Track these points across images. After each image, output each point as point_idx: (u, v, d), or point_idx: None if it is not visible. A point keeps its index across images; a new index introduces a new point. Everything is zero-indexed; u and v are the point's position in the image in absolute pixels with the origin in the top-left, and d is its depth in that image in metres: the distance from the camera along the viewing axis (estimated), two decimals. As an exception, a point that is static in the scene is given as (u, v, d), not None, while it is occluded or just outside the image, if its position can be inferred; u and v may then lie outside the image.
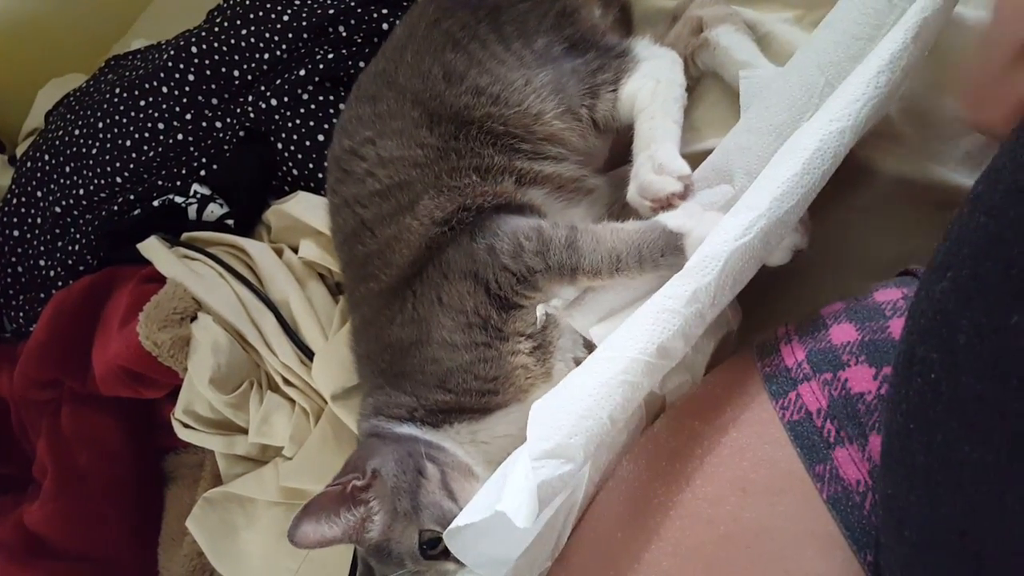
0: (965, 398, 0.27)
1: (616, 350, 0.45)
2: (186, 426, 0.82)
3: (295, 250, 0.86)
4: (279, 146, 0.88)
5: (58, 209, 0.99)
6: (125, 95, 0.94)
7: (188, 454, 0.90)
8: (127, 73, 1.00)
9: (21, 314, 1.02)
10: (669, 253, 0.53)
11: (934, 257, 0.33)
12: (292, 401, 0.81)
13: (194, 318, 0.83)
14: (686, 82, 0.64)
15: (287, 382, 0.81)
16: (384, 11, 0.88)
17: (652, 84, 0.63)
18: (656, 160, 0.58)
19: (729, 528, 0.40)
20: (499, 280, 0.58)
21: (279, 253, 0.87)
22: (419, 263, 0.62)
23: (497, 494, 0.41)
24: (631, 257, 0.54)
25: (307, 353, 0.79)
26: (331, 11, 0.88)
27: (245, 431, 0.81)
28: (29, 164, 1.04)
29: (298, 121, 0.87)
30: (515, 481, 0.40)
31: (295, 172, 0.89)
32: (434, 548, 0.55)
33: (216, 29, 0.91)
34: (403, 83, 0.67)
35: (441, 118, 0.64)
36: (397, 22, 0.87)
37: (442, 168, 0.63)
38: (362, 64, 0.86)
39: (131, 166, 0.93)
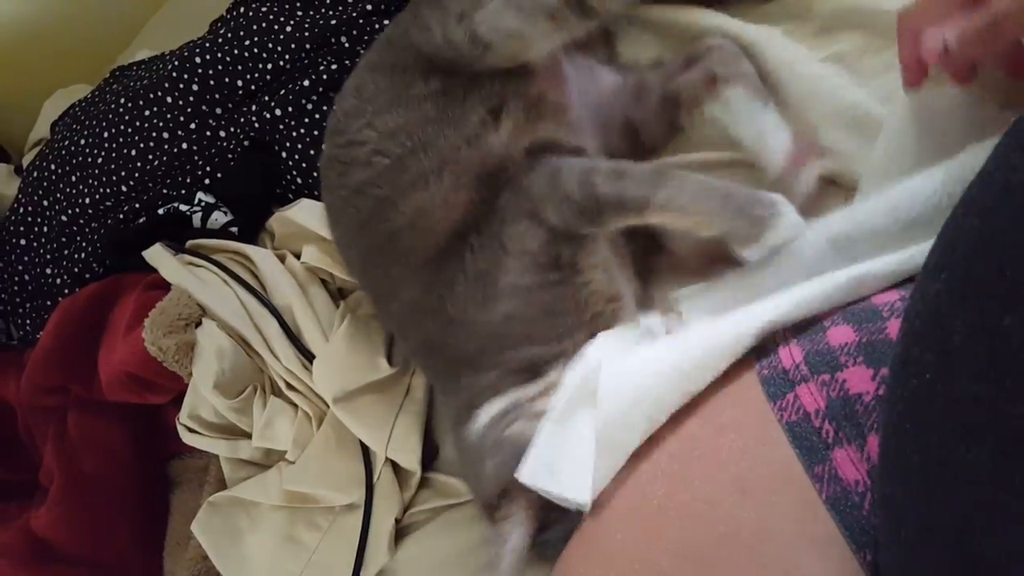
0: (960, 399, 0.28)
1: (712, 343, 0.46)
2: (191, 431, 0.83)
3: (297, 256, 0.87)
4: (283, 155, 0.89)
5: (64, 218, 1.00)
6: (130, 105, 0.95)
7: (193, 459, 0.91)
8: (132, 83, 1.01)
9: (28, 321, 1.03)
10: (755, 218, 0.51)
11: (928, 259, 0.33)
12: (295, 405, 0.81)
13: (199, 324, 0.83)
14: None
15: (290, 387, 0.81)
16: (386, 22, 0.89)
17: None
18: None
19: (728, 528, 0.41)
20: (561, 212, 0.57)
21: (282, 259, 0.87)
22: (467, 221, 0.61)
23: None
24: (716, 194, 0.53)
25: (309, 358, 0.80)
26: (333, 22, 0.89)
27: (249, 435, 0.81)
28: (35, 174, 1.05)
29: (302, 131, 0.88)
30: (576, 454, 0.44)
31: (299, 181, 0.89)
32: None
33: (220, 40, 0.92)
34: (380, 60, 0.67)
35: (429, 68, 0.63)
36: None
37: (455, 113, 0.62)
38: (365, 74, 0.87)
39: (136, 175, 0.94)
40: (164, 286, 0.87)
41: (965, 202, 0.31)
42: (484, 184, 0.61)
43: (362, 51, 0.90)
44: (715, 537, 0.41)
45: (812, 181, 0.59)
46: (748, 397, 0.44)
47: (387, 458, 0.75)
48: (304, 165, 0.89)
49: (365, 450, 0.76)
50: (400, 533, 0.74)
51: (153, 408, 0.89)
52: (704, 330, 0.48)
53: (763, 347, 0.48)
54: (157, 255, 0.88)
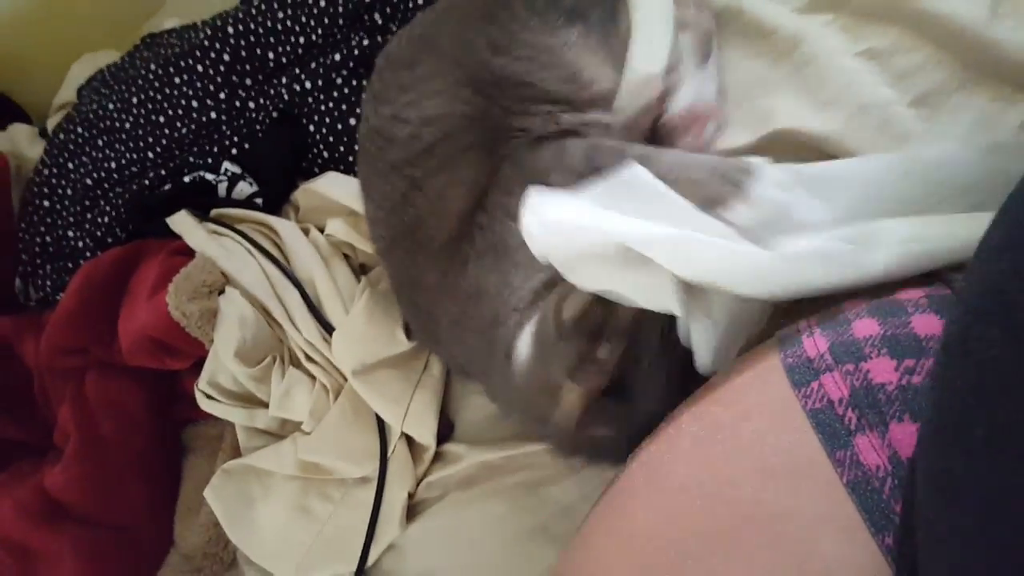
0: None
1: None
2: (209, 397, 0.84)
3: (321, 230, 0.88)
4: (311, 128, 0.90)
5: (89, 181, 1.01)
6: (160, 72, 0.96)
7: (208, 426, 0.92)
8: (163, 51, 1.02)
9: (48, 283, 1.04)
10: (734, 181, 0.54)
11: (988, 238, 0.34)
12: (313, 377, 0.82)
13: (222, 291, 0.84)
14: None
15: (309, 358, 0.82)
16: (420, 1, 0.90)
17: None
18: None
19: (751, 510, 0.41)
20: (566, 180, 0.58)
21: (305, 232, 0.88)
22: (475, 202, 0.63)
23: None
24: (703, 167, 0.56)
25: (330, 330, 0.81)
26: (368, -2, 0.90)
27: (266, 405, 0.82)
28: (62, 136, 1.06)
29: (331, 105, 0.89)
30: None
31: (325, 155, 0.90)
32: None
33: (253, 11, 0.93)
34: (446, 47, 0.68)
35: (484, 82, 0.65)
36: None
37: (488, 124, 0.65)
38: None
39: (163, 142, 0.95)
40: (188, 253, 0.88)
41: None
42: (493, 164, 0.64)
43: (395, 28, 0.90)
44: (737, 518, 0.42)
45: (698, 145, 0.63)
46: (772, 384, 0.44)
47: (402, 432, 0.76)
48: (332, 139, 0.89)
49: (381, 424, 0.77)
50: (412, 510, 0.75)
51: (171, 374, 0.90)
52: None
53: (788, 337, 0.48)
54: (182, 222, 0.89)
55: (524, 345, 0.57)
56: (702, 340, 0.51)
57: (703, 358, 0.51)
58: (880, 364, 0.41)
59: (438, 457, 0.76)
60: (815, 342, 0.45)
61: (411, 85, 0.69)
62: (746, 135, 0.65)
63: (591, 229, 0.50)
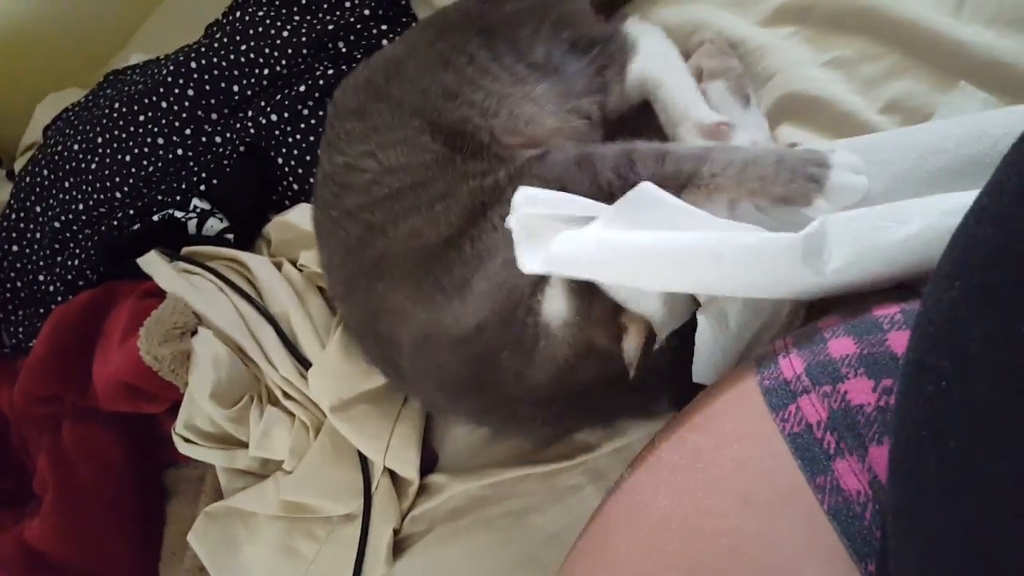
0: (979, 406, 0.28)
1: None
2: (187, 440, 0.82)
3: (294, 264, 0.86)
4: (279, 161, 0.89)
5: (57, 224, 0.99)
6: (124, 110, 0.95)
7: (189, 468, 0.90)
8: (126, 88, 1.00)
9: (20, 329, 1.02)
10: (809, 175, 0.50)
11: (939, 268, 0.33)
12: (292, 415, 0.81)
13: (194, 332, 0.83)
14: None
15: (287, 395, 0.81)
16: (383, 27, 0.89)
17: (657, 59, 0.65)
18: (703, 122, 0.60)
19: (732, 541, 0.41)
20: (586, 191, 0.55)
21: (278, 267, 0.87)
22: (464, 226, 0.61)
23: None
24: (767, 159, 0.52)
25: (307, 366, 0.79)
26: (331, 27, 0.89)
27: (246, 445, 0.81)
28: (28, 179, 1.04)
29: (298, 136, 0.88)
30: None
31: (295, 187, 0.89)
32: None
33: (215, 45, 0.92)
34: (399, 96, 0.68)
35: (441, 128, 0.65)
36: (396, 38, 0.88)
37: (454, 170, 0.63)
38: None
39: (131, 181, 0.94)
40: (159, 294, 0.87)
41: (976, 211, 0.31)
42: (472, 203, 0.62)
43: (359, 56, 0.90)
44: (718, 549, 0.41)
45: None
46: (750, 408, 0.44)
47: (385, 467, 0.75)
48: (300, 171, 0.88)
49: (363, 459, 0.76)
50: (398, 545, 0.74)
51: (148, 417, 0.88)
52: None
53: (764, 357, 0.48)
54: (152, 262, 0.88)
55: (557, 312, 0.55)
56: (706, 349, 0.50)
57: (703, 368, 0.50)
58: (858, 385, 0.41)
59: (423, 490, 0.75)
60: (791, 363, 0.45)
61: (364, 135, 0.68)
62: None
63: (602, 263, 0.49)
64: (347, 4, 0.90)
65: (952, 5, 0.60)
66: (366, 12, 0.89)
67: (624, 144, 0.58)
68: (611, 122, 0.67)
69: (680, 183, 0.54)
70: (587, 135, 0.66)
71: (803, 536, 0.39)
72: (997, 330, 0.27)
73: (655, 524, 0.44)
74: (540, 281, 0.56)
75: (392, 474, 0.76)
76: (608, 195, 0.55)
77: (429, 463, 0.75)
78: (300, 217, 0.85)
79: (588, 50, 0.68)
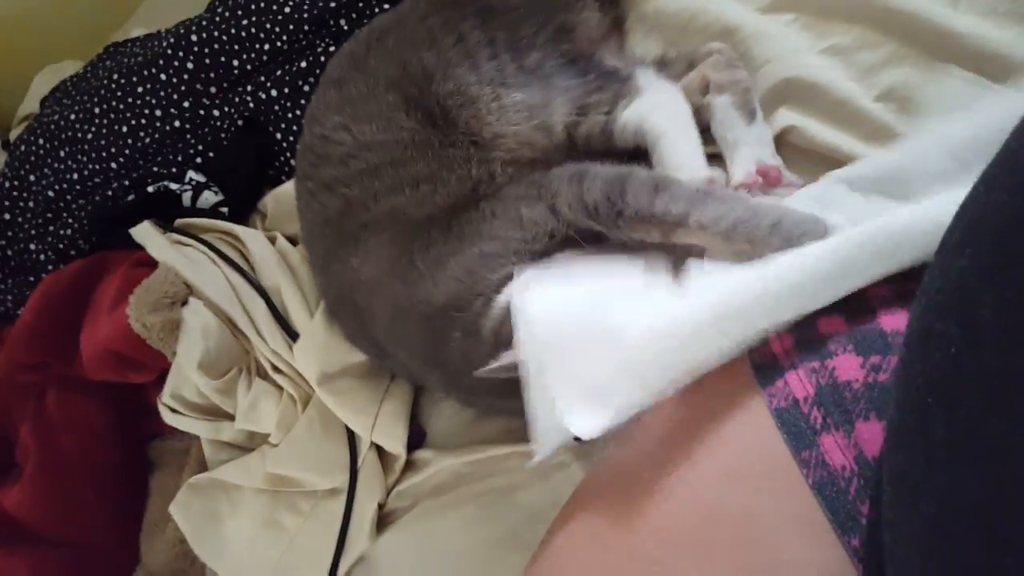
0: (989, 372, 0.27)
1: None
2: (173, 411, 0.82)
3: (289, 238, 0.86)
4: (278, 136, 0.88)
5: (51, 193, 0.99)
6: (123, 81, 0.94)
7: (174, 440, 0.90)
8: (125, 60, 1.00)
9: (9, 297, 1.02)
10: (810, 238, 0.46)
11: (947, 237, 0.33)
12: (280, 388, 0.80)
13: (185, 303, 0.82)
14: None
15: (276, 369, 0.80)
16: (386, 5, 0.89)
17: (666, 110, 0.61)
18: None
19: (715, 513, 0.41)
20: (577, 211, 0.54)
21: (272, 241, 0.87)
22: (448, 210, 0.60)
23: None
24: (764, 219, 0.48)
25: (296, 339, 0.79)
26: (332, 4, 0.89)
27: (232, 417, 0.80)
28: (23, 148, 1.04)
29: (298, 112, 0.87)
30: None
31: (292, 162, 0.89)
32: None
33: (217, 19, 0.91)
34: (375, 66, 0.67)
35: (417, 105, 0.64)
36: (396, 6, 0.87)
37: (434, 152, 0.63)
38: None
39: (126, 152, 0.93)
40: (151, 264, 0.86)
41: (988, 179, 0.31)
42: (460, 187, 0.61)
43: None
44: (701, 520, 0.41)
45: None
46: (737, 382, 0.44)
47: (372, 443, 0.74)
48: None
49: (350, 434, 0.75)
50: (382, 520, 0.74)
51: (135, 388, 0.88)
52: (743, 279, 0.43)
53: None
54: (145, 232, 0.87)
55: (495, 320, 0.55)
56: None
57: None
58: (846, 361, 0.41)
59: (409, 465, 0.75)
60: (780, 339, 0.45)
61: (340, 106, 0.67)
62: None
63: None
64: (350, -18, 0.90)
65: None
66: (370, -9, 0.89)
67: (621, 168, 0.56)
68: (576, 148, 0.64)
69: (667, 227, 0.52)
70: (549, 153, 0.64)
71: (787, 510, 0.39)
72: (1010, 296, 0.27)
73: (638, 496, 0.44)
74: (506, 280, 0.56)
75: (379, 449, 0.76)
76: (595, 217, 0.54)
77: (417, 440, 0.75)
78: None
79: (585, 72, 0.65)
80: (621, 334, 0.43)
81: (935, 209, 0.40)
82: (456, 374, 0.61)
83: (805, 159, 0.61)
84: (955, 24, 0.57)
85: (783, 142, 0.63)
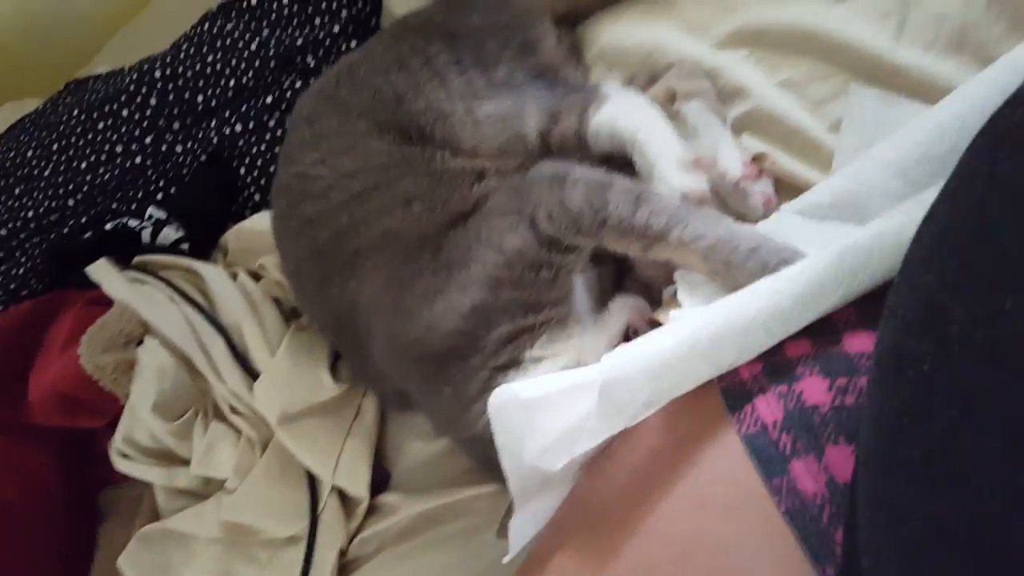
0: (964, 387, 0.27)
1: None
2: (125, 457, 0.78)
3: (253, 275, 0.84)
4: (241, 171, 0.87)
5: (3, 232, 0.96)
6: (83, 117, 0.93)
7: (127, 488, 0.86)
8: (87, 96, 0.99)
9: (-44, 340, 0.97)
10: (787, 266, 0.45)
11: (910, 255, 0.33)
12: (238, 431, 0.77)
13: (140, 342, 0.79)
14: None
15: (234, 410, 0.78)
16: (352, 43, 0.89)
17: (637, 108, 0.62)
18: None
19: (688, 545, 0.39)
20: (556, 220, 0.53)
21: (233, 277, 0.84)
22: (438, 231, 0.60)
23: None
24: (743, 243, 0.48)
25: (256, 379, 0.77)
26: (299, 42, 0.89)
27: (188, 462, 0.77)
28: (-23, 186, 1.01)
29: (262, 147, 0.87)
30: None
31: (256, 198, 0.88)
32: None
33: (182, 55, 0.91)
34: (346, 98, 0.67)
35: (390, 126, 0.64)
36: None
37: (416, 167, 0.62)
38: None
39: (84, 189, 0.91)
40: (107, 303, 0.83)
41: (947, 195, 0.31)
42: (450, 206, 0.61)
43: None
44: (674, 554, 0.39)
45: (770, 191, 0.59)
46: (707, 408, 0.43)
47: (333, 485, 0.71)
48: (263, 181, 0.87)
49: (311, 477, 0.72)
50: (344, 568, 0.70)
51: (85, 434, 0.84)
52: (718, 308, 0.43)
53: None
54: (100, 270, 0.85)
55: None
56: None
57: None
58: (813, 384, 0.40)
59: (373, 510, 0.72)
60: (748, 364, 0.44)
61: (314, 142, 0.67)
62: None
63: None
64: (317, 21, 0.91)
65: (893, 30, 0.62)
66: (336, 29, 0.89)
67: (603, 174, 0.56)
68: (552, 153, 0.64)
69: (647, 240, 0.52)
70: (529, 161, 0.63)
71: (760, 539, 0.38)
72: (979, 309, 0.27)
73: (610, 529, 0.42)
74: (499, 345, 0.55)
75: (342, 494, 0.73)
76: (578, 224, 0.54)
77: (381, 481, 0.73)
78: (259, 223, 0.83)
79: (552, 85, 0.66)
80: (596, 376, 0.43)
81: (897, 227, 0.41)
82: (443, 422, 0.61)
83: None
84: (897, 57, 0.59)
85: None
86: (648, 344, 0.43)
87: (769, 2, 0.67)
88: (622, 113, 0.61)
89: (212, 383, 0.78)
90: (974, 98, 0.48)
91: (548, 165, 0.59)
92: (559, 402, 0.44)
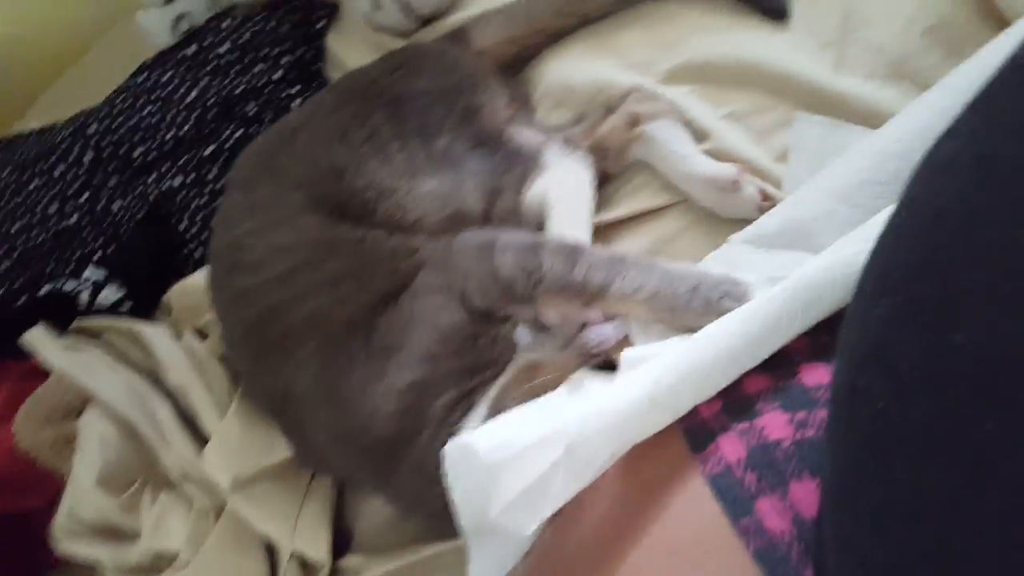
0: (919, 423, 0.26)
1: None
2: (69, 535, 0.73)
3: (198, 332, 0.81)
4: (183, 227, 0.84)
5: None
6: (14, 176, 0.89)
7: (71, 571, 0.80)
8: (17, 155, 0.95)
9: None
10: (724, 310, 0.45)
11: (860, 289, 0.32)
12: (190, 498, 0.73)
13: (81, 413, 0.75)
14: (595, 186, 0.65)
15: (184, 478, 0.74)
16: (292, 91, 0.88)
17: (564, 184, 0.62)
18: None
19: None
20: (488, 290, 0.53)
21: (178, 336, 0.81)
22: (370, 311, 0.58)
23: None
24: (682, 286, 0.49)
25: (206, 444, 0.73)
26: (239, 90, 0.87)
27: (137, 537, 0.72)
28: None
29: (203, 201, 0.84)
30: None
31: (198, 253, 0.85)
32: None
33: (116, 109, 0.88)
34: (284, 166, 0.66)
35: (325, 202, 0.62)
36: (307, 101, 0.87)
37: (348, 248, 0.61)
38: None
39: (16, 253, 0.87)
40: (44, 374, 0.79)
41: (894, 227, 0.31)
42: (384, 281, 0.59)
43: (268, 120, 0.88)
44: (645, 606, 0.37)
45: (756, 192, 0.59)
46: (671, 450, 0.41)
47: (293, 551, 0.68)
48: (204, 236, 0.84)
49: (269, 544, 0.69)
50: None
51: (23, 515, 0.79)
52: (675, 355, 0.43)
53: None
54: (36, 338, 0.81)
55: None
56: None
57: None
58: (773, 419, 0.39)
59: (335, 574, 0.68)
60: (709, 402, 0.43)
61: (248, 211, 0.66)
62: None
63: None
64: (257, 68, 0.89)
65: (833, 61, 0.63)
66: (276, 76, 0.88)
67: (530, 235, 0.56)
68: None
69: (587, 296, 0.52)
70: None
71: None
72: (929, 344, 0.26)
73: (580, 583, 0.40)
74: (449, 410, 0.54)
75: (302, 559, 0.69)
76: (510, 293, 0.53)
77: (342, 544, 0.69)
78: (203, 279, 0.80)
79: (493, 153, 0.65)
80: (559, 433, 0.42)
81: (848, 257, 0.41)
82: (408, 502, 0.60)
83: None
84: (838, 86, 0.60)
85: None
86: (608, 400, 0.42)
87: (709, 36, 0.69)
88: (548, 190, 0.62)
89: (159, 451, 0.74)
90: (915, 122, 0.49)
91: (473, 234, 0.58)
92: (520, 459, 0.42)
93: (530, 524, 0.41)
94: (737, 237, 0.54)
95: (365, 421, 0.56)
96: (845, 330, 0.32)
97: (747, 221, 0.56)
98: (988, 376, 0.24)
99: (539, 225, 0.62)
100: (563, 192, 0.62)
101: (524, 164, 0.63)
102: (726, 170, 0.60)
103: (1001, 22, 0.60)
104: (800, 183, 0.55)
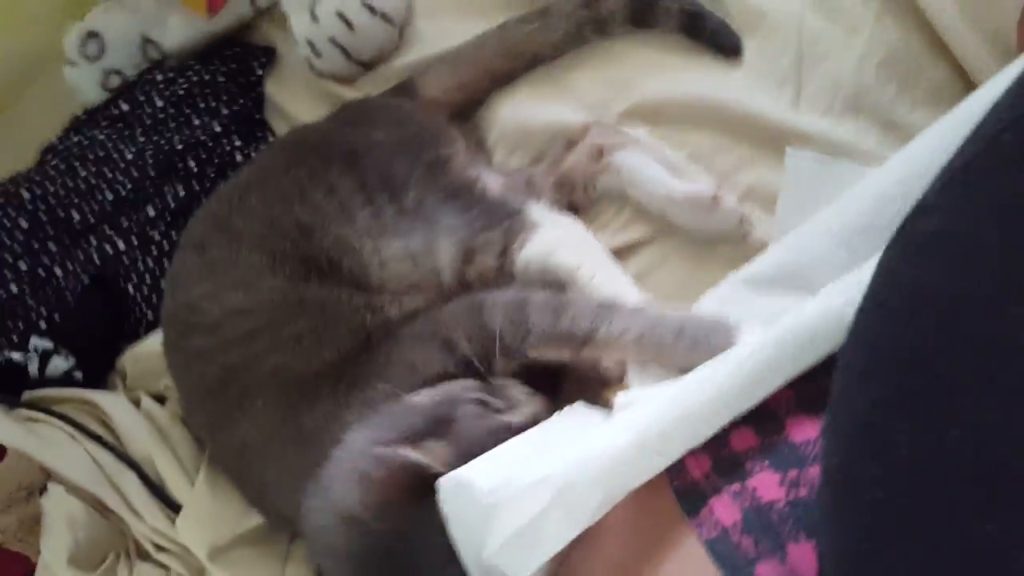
0: (919, 519, 0.27)
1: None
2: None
3: (156, 398, 0.79)
4: (129, 290, 0.82)
5: None
6: (-58, 249, 0.84)
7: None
8: (-56, 224, 0.90)
9: None
10: (712, 348, 0.47)
11: (845, 361, 0.33)
12: (166, 568, 0.73)
13: (43, 491, 0.73)
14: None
15: (158, 548, 0.73)
16: (237, 143, 0.86)
17: (571, 243, 0.62)
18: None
19: None
20: (479, 343, 0.53)
21: (136, 403, 0.79)
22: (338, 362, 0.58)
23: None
24: (668, 327, 0.50)
25: (177, 511, 0.72)
26: (180, 146, 0.85)
27: (115, 613, 0.71)
28: None
29: (150, 262, 0.82)
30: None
31: (149, 315, 0.83)
32: None
33: (50, 172, 0.85)
34: (239, 226, 0.65)
35: (287, 261, 0.62)
36: (252, 153, 0.86)
37: (312, 306, 0.61)
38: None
39: (-48, 329, 0.83)
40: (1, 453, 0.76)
41: (877, 300, 0.31)
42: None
43: (213, 175, 0.86)
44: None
45: (736, 210, 0.60)
46: (665, 513, 0.43)
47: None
48: (154, 298, 0.82)
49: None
50: None
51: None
52: (665, 400, 0.44)
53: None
54: (-14, 416, 0.77)
55: None
56: None
57: None
58: (764, 479, 0.40)
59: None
60: (697, 460, 0.44)
61: (203, 273, 0.65)
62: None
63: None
64: (196, 122, 0.87)
65: (790, 99, 0.64)
66: (217, 129, 0.86)
67: (518, 292, 0.57)
68: (469, 288, 0.63)
69: (576, 344, 0.53)
70: (442, 296, 0.63)
71: None
72: (927, 437, 0.27)
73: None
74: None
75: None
76: (500, 343, 0.54)
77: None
78: (156, 343, 0.78)
79: (469, 207, 0.64)
80: (549, 476, 0.43)
81: (839, 307, 0.41)
82: None
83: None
84: (798, 123, 0.62)
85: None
86: (598, 445, 0.43)
87: (663, 75, 0.69)
88: (554, 250, 0.61)
89: (130, 522, 0.73)
90: (917, 163, 0.49)
91: (465, 297, 0.59)
92: (514, 500, 0.44)
93: (527, 567, 0.42)
94: (736, 276, 0.55)
95: (331, 450, 0.55)
96: (835, 406, 0.33)
97: (729, 244, 0.58)
98: (988, 477, 0.25)
99: (545, 285, 0.61)
100: (577, 251, 0.61)
101: (508, 222, 0.63)
102: (704, 188, 0.61)
103: (952, 56, 0.62)
104: (794, 216, 0.56)
